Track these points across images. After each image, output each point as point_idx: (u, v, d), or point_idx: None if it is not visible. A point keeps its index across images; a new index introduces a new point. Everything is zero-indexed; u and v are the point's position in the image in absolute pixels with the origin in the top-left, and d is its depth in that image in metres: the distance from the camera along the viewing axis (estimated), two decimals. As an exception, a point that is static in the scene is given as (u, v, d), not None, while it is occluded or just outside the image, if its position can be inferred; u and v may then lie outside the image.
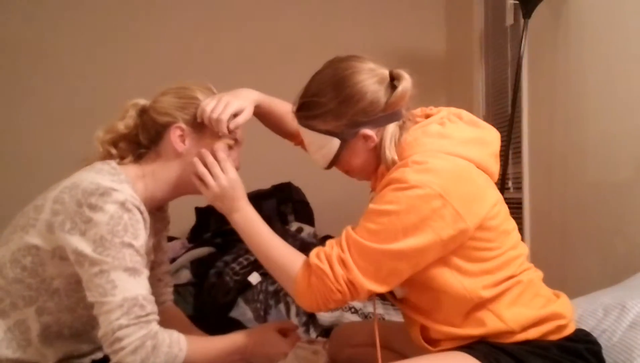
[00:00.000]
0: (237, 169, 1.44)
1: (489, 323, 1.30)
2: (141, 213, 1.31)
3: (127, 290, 1.24)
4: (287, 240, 1.40)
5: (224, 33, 3.68)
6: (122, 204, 1.26)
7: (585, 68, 2.34)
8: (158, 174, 1.41)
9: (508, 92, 3.13)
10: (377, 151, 1.36)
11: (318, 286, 1.26)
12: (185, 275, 2.56)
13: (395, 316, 2.12)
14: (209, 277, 2.46)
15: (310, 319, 2.25)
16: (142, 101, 1.47)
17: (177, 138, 1.39)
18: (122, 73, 3.52)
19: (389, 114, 1.35)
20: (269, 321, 2.26)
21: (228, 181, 1.38)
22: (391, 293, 1.42)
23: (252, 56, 3.65)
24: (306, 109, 1.37)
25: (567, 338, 1.34)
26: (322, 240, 2.91)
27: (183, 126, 1.40)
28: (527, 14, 2.56)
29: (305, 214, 3.27)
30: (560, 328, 1.34)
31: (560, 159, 2.55)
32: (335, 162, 1.40)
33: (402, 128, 1.37)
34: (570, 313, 1.37)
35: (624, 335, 1.42)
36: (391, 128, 1.35)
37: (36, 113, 3.50)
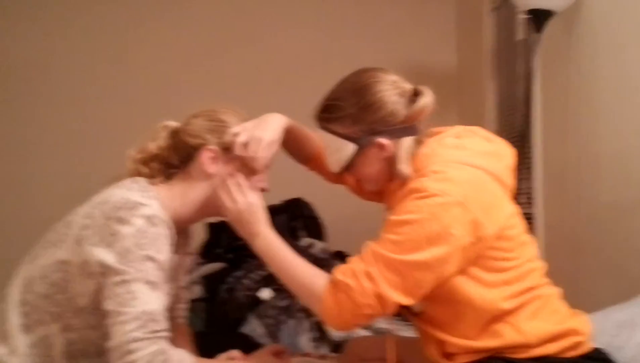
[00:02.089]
0: (266, 190, 1.48)
1: (507, 335, 1.30)
2: (167, 229, 1.33)
3: (146, 303, 1.25)
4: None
5: (232, 51, 3.69)
6: (149, 219, 1.29)
7: (598, 83, 2.33)
8: (187, 194, 1.44)
9: (519, 107, 3.12)
10: (391, 163, 1.37)
11: (346, 302, 1.25)
12: (197, 291, 2.57)
13: (406, 332, 2.11)
14: (220, 292, 2.47)
15: (322, 334, 2.25)
16: (173, 123, 1.51)
17: (208, 159, 1.42)
18: (132, 94, 3.54)
19: (406, 127, 1.37)
20: (281, 337, 2.25)
21: (245, 205, 1.40)
22: (407, 308, 1.42)
23: (262, 72, 3.66)
24: (327, 111, 1.40)
25: (585, 356, 1.33)
26: (334, 256, 2.90)
27: (214, 148, 1.42)
28: (539, 28, 2.56)
29: (316, 229, 3.26)
30: (577, 345, 1.33)
31: (573, 175, 2.53)
32: (348, 168, 1.42)
33: (418, 143, 1.38)
34: (588, 331, 1.36)
35: (637, 352, 1.41)
36: (407, 142, 1.37)
37: (44, 133, 3.54)
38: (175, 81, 3.54)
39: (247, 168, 1.44)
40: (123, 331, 1.23)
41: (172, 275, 1.50)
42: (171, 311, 1.59)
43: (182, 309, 1.69)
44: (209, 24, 3.71)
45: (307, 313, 2.30)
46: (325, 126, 1.42)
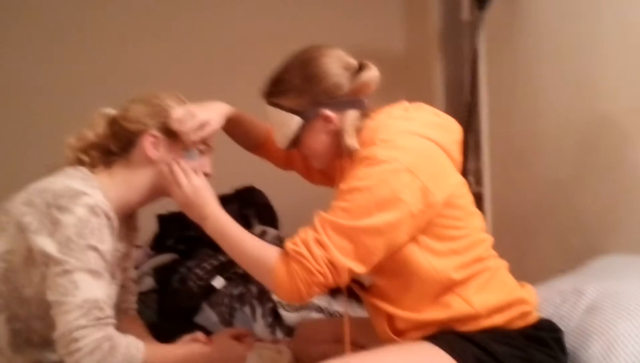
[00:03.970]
0: (209, 175, 1.47)
1: (455, 306, 1.32)
2: (109, 219, 1.32)
3: (88, 292, 1.24)
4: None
5: (174, 32, 3.59)
6: (92, 208, 1.28)
7: (542, 60, 2.36)
8: (131, 181, 1.42)
9: (466, 88, 3.15)
10: (337, 137, 1.39)
11: (298, 271, 1.25)
12: (148, 283, 2.53)
13: (360, 312, 2.12)
14: (172, 283, 2.44)
15: (276, 320, 2.25)
16: (111, 110, 1.48)
17: (149, 145, 1.41)
18: (86, 78, 3.44)
19: (351, 100, 1.40)
20: (235, 324, 2.25)
21: (192, 188, 1.38)
22: (358, 282, 1.43)
23: (206, 55, 3.59)
24: (273, 85, 1.43)
25: (532, 326, 1.37)
26: (287, 242, 2.90)
27: (156, 133, 1.41)
28: (481, 6, 2.56)
29: (269, 217, 3.25)
30: (524, 314, 1.36)
31: (519, 154, 2.58)
32: (294, 142, 1.43)
33: (364, 116, 1.40)
34: (535, 302, 1.40)
35: (580, 320, 1.45)
36: (352, 114, 1.40)
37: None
38: (113, 67, 3.45)
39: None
40: (66, 320, 1.22)
41: (120, 265, 1.48)
42: (121, 303, 1.58)
43: (133, 301, 1.67)
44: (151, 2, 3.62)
45: (261, 300, 2.30)
46: (271, 101, 1.43)
